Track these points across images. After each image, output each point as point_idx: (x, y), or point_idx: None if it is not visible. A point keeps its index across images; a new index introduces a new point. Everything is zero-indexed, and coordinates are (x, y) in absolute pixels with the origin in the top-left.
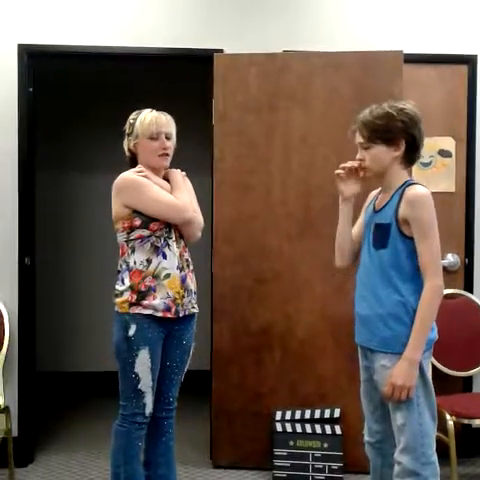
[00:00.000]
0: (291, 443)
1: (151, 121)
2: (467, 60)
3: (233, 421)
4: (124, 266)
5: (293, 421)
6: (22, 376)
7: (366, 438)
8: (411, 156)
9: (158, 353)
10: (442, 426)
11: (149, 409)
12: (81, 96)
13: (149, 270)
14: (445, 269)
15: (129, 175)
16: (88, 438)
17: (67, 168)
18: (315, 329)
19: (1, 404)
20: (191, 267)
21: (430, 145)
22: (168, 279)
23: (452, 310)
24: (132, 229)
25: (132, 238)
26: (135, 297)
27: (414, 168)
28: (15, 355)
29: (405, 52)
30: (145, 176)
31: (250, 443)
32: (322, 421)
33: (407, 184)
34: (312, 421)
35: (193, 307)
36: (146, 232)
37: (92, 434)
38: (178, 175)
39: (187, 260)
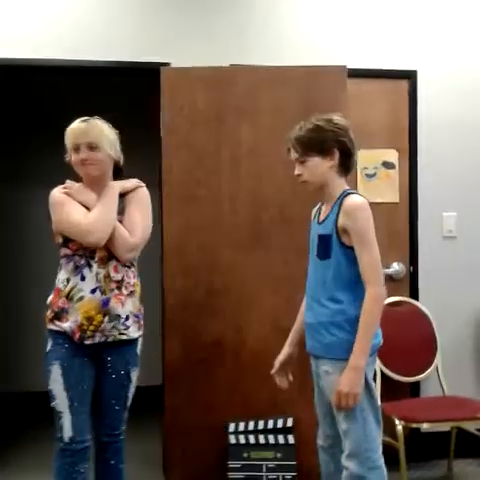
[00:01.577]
0: (245, 455)
1: (70, 132)
2: (408, 75)
3: (186, 436)
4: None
5: (246, 432)
6: None
7: (319, 442)
8: (346, 164)
9: (75, 373)
10: (391, 431)
11: (68, 434)
12: (22, 109)
13: (65, 290)
14: (391, 278)
15: (53, 191)
16: (33, 452)
17: (21, 182)
18: (266, 340)
19: None
20: (125, 290)
21: (374, 157)
22: (81, 302)
23: (398, 317)
24: (59, 246)
25: (60, 255)
26: (52, 314)
27: (359, 179)
28: None
29: (349, 67)
30: (67, 193)
31: (204, 457)
32: (275, 431)
33: (345, 194)
34: (265, 431)
35: (122, 333)
36: (68, 251)
37: (38, 449)
38: (109, 190)
39: (118, 282)
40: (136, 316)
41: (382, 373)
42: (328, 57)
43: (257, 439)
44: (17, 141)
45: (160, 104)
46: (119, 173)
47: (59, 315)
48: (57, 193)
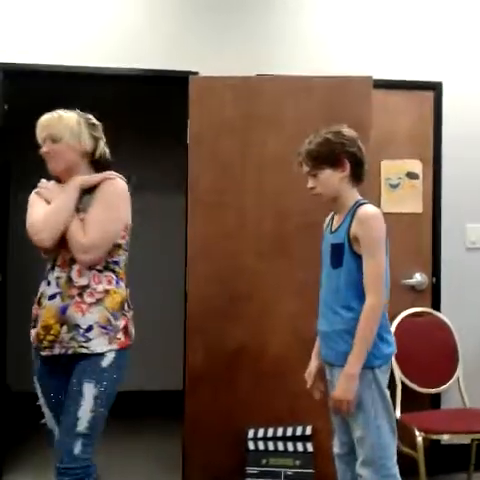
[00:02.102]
0: (264, 461)
1: (37, 126)
2: (433, 87)
3: (206, 440)
4: None
5: (266, 439)
6: None
7: (335, 450)
8: (357, 173)
9: (47, 388)
10: (411, 442)
11: (58, 453)
12: None
13: (37, 297)
14: (413, 288)
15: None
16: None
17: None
18: (287, 347)
19: None
20: (89, 297)
21: (398, 167)
22: (44, 309)
23: (420, 328)
24: None
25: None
26: (31, 323)
27: (383, 189)
28: None
29: (374, 78)
30: (38, 192)
31: (223, 462)
32: (294, 439)
33: (358, 204)
34: (284, 439)
35: (82, 346)
36: (42, 254)
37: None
38: (67, 185)
39: (81, 288)
40: (104, 327)
41: (402, 384)
42: (354, 68)
43: (276, 446)
44: None
45: (188, 112)
46: (106, 168)
47: (35, 323)
48: (32, 194)
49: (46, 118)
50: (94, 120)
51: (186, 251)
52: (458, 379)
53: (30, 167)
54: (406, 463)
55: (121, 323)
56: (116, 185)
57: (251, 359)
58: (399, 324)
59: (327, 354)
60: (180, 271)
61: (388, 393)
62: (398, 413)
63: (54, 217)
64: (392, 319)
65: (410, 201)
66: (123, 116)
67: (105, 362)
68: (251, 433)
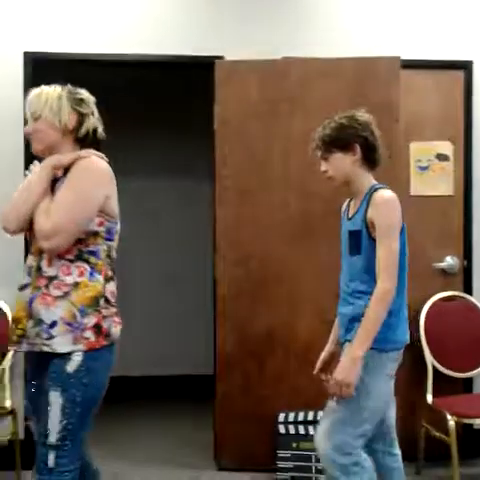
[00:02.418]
0: (294, 445)
1: None
2: (464, 66)
3: (237, 423)
4: None
5: (296, 423)
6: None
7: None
8: (370, 158)
9: (29, 390)
10: (443, 427)
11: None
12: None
13: None
14: (444, 272)
15: None
16: (92, 441)
17: None
18: (316, 331)
19: (8, 407)
20: (55, 290)
21: (427, 149)
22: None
23: (452, 312)
24: None
25: None
26: None
27: (412, 172)
28: (21, 358)
29: (402, 58)
30: (26, 175)
31: (253, 445)
32: None
33: (374, 189)
34: (315, 423)
35: (44, 344)
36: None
37: (95, 437)
38: (39, 167)
39: (49, 278)
40: (69, 324)
41: (434, 368)
42: (381, 48)
43: (307, 430)
44: None
45: (214, 97)
46: (95, 148)
47: None
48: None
49: (30, 95)
50: (83, 95)
51: (214, 235)
52: None
53: None
54: (438, 448)
55: (90, 321)
56: (89, 164)
57: (280, 343)
58: (430, 308)
59: (344, 335)
60: (209, 255)
61: (390, 378)
62: (430, 397)
63: (19, 200)
64: (423, 303)
65: (440, 183)
66: (151, 102)
67: (71, 366)
68: (282, 417)
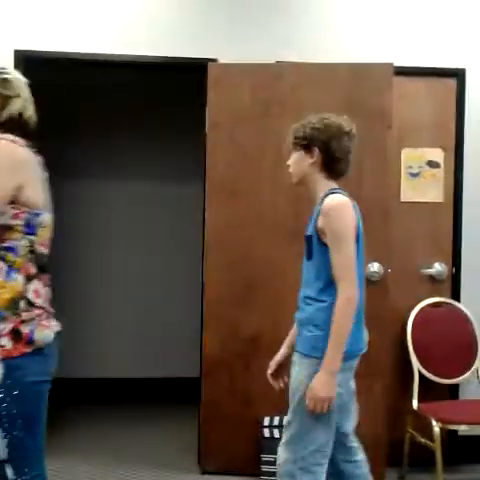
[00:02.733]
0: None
1: None
2: (456, 73)
3: (222, 427)
4: None
5: (281, 427)
6: None
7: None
8: (330, 167)
9: None
10: (428, 433)
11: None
12: (74, 103)
13: None
14: (432, 278)
15: None
16: (77, 443)
17: (58, 173)
18: None
19: None
20: None
21: (419, 156)
22: None
23: (439, 319)
24: None
25: None
26: None
27: (402, 178)
28: None
29: (395, 65)
30: None
31: (238, 449)
32: None
33: (326, 194)
34: None
35: None
36: None
37: (81, 439)
38: None
39: None
40: None
41: (420, 374)
42: (375, 55)
43: None
44: (67, 133)
45: (206, 100)
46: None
47: None
48: None
49: None
50: (9, 75)
51: (203, 239)
52: (477, 370)
53: (47, 155)
54: (423, 454)
55: (6, 326)
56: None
57: (267, 347)
58: (418, 314)
59: (296, 340)
60: (197, 259)
61: (340, 391)
62: (415, 403)
63: None
64: (410, 309)
65: (431, 190)
66: (141, 104)
67: None
68: (267, 421)
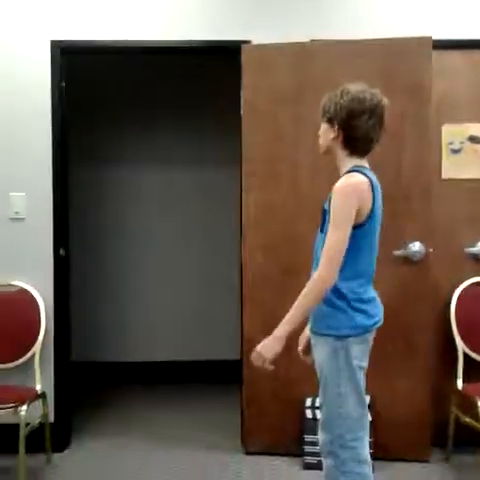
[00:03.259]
0: None
1: None
2: None
3: (264, 408)
4: None
5: None
6: (58, 363)
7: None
8: (351, 144)
9: None
10: (473, 413)
11: None
12: (110, 90)
13: None
14: (476, 256)
15: None
16: (120, 424)
17: (94, 161)
18: None
19: (38, 390)
20: None
21: (460, 131)
22: None
23: None
24: None
25: None
26: None
27: (444, 154)
28: (51, 344)
29: (434, 38)
30: None
31: (281, 430)
32: None
33: (347, 172)
34: None
35: None
36: None
37: (124, 420)
38: None
39: None
40: None
41: (465, 354)
42: (411, 29)
43: None
44: (108, 121)
45: (241, 82)
46: None
47: None
48: None
49: None
50: None
51: (241, 221)
52: None
53: (86, 142)
54: (468, 434)
55: None
56: None
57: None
58: (462, 293)
59: (310, 318)
60: (237, 241)
61: (361, 365)
62: (460, 383)
63: None
64: (454, 288)
65: (473, 166)
66: (178, 89)
67: None
68: (308, 402)
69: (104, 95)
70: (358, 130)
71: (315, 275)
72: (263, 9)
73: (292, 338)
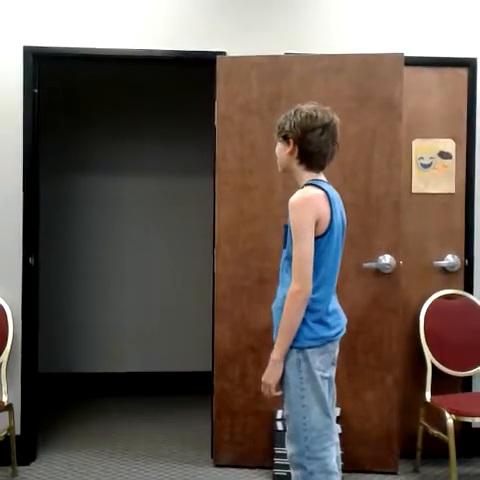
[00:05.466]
0: None
1: None
2: (467, 63)
3: (234, 420)
4: None
5: None
6: (25, 375)
7: None
8: (306, 159)
9: None
10: (441, 425)
11: None
12: (84, 98)
13: None
14: (445, 270)
15: None
16: (89, 437)
17: (68, 169)
18: None
19: (4, 402)
20: None
21: (430, 147)
22: None
23: (452, 310)
24: None
25: None
26: None
27: (414, 169)
28: (18, 354)
29: (406, 55)
30: None
31: (251, 442)
32: None
33: (303, 186)
34: None
35: None
36: None
37: (93, 433)
38: None
39: None
40: None
41: (433, 366)
42: (384, 45)
43: None
44: (81, 129)
45: (215, 93)
46: None
47: None
48: None
49: None
50: None
51: (214, 232)
52: None
53: (59, 151)
54: (436, 446)
55: None
56: None
57: None
58: (430, 306)
59: (273, 330)
60: (209, 252)
61: (324, 375)
62: (428, 395)
63: None
64: (423, 301)
65: (442, 181)
66: (152, 98)
67: None
68: (279, 414)
69: (76, 102)
70: (312, 144)
71: (290, 292)
72: (240, 21)
73: (264, 350)
